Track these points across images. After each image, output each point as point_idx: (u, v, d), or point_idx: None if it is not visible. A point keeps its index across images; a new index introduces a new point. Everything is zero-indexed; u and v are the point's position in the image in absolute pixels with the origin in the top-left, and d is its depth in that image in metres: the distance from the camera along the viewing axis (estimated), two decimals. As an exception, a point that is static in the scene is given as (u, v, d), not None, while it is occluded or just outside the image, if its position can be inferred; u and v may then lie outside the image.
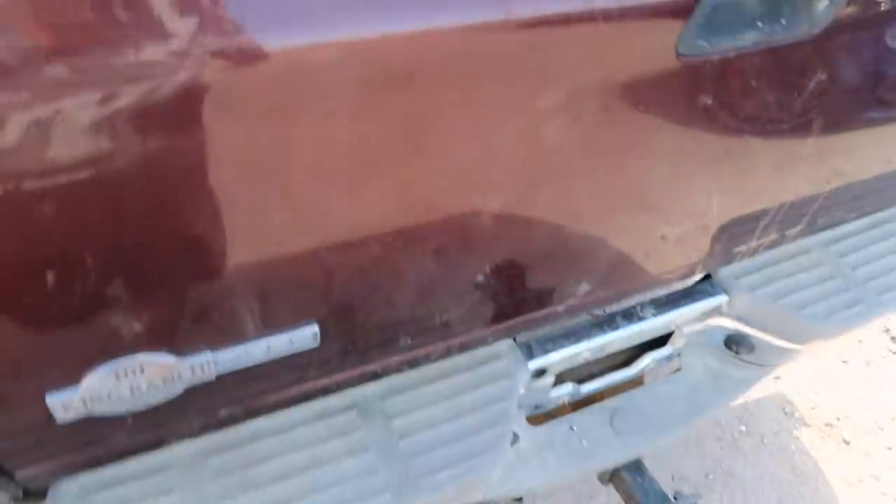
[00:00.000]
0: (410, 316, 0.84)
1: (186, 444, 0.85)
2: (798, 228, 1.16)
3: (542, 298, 0.95)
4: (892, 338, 2.29)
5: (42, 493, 0.79)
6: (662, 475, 1.78)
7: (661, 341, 1.24)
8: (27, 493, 0.78)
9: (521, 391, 1.06)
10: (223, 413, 0.81)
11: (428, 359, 0.93)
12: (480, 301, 0.88)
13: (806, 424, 2.02)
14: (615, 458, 1.17)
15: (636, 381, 1.26)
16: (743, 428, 1.98)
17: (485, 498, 1.12)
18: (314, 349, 0.77)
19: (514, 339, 1.05)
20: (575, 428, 1.18)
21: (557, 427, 1.17)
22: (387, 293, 0.79)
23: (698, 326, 1.23)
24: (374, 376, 0.90)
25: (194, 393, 0.74)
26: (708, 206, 0.98)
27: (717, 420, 1.99)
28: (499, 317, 0.93)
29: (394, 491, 0.87)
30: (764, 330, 1.22)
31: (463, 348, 0.96)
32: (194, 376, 0.72)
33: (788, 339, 1.22)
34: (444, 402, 0.96)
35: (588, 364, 1.22)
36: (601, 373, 1.22)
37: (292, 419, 0.90)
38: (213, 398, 0.78)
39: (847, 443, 1.99)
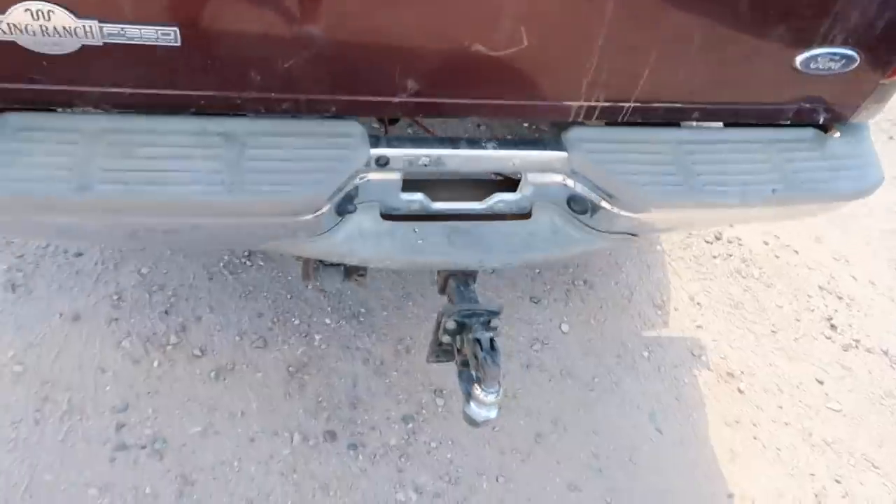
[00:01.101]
0: (257, 55, 1.14)
1: (89, 118, 1.18)
2: (628, 105, 1.35)
3: (375, 84, 1.22)
4: (832, 326, 2.36)
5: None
6: (552, 366, 2.00)
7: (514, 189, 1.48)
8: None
9: (367, 177, 1.34)
10: (113, 91, 1.14)
11: (280, 106, 1.23)
12: (319, 63, 1.17)
13: (708, 369, 2.15)
14: (439, 260, 1.42)
15: (487, 216, 1.50)
16: (646, 354, 2.15)
17: (327, 256, 1.41)
18: (176, 49, 1.09)
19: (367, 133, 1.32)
20: (417, 230, 1.43)
21: (403, 225, 1.43)
22: (239, 22, 1.09)
23: (543, 179, 1.44)
24: (235, 106, 1.21)
25: (88, 56, 1.07)
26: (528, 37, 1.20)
27: (624, 342, 2.16)
28: (337, 86, 1.21)
29: (226, 186, 1.18)
30: (594, 190, 1.42)
31: (310, 109, 1.25)
32: (86, 36, 1.05)
33: (612, 203, 1.41)
34: (293, 149, 1.25)
35: (446, 189, 1.47)
36: (454, 199, 1.47)
37: (174, 127, 1.22)
38: (103, 71, 1.11)
39: (741, 392, 2.11)
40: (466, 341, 1.40)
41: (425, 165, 1.36)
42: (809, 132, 1.55)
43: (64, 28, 1.04)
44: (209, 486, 1.64)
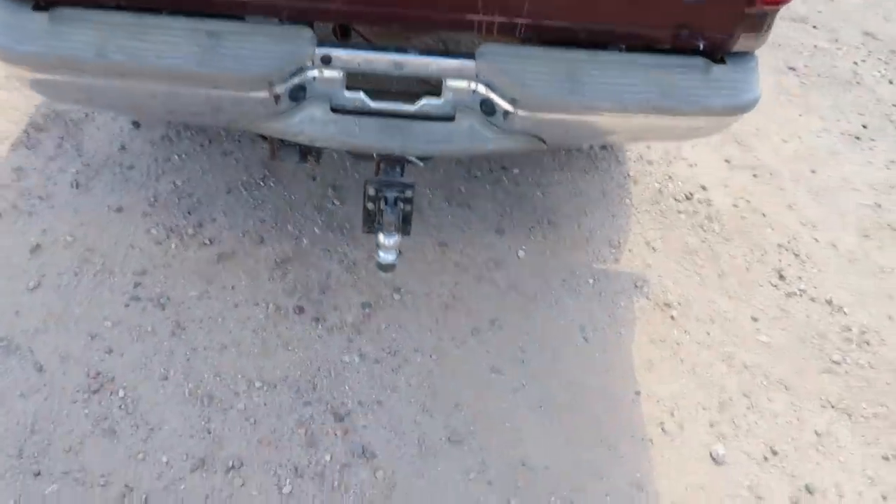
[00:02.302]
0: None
1: (112, 14, 1.64)
2: (520, 21, 1.68)
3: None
4: (781, 276, 2.53)
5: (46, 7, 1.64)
6: (500, 281, 2.31)
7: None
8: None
9: (316, 73, 1.74)
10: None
11: (247, 9, 1.65)
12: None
13: (647, 298, 2.39)
14: (368, 144, 1.79)
15: (418, 117, 1.85)
16: (591, 281, 2.41)
17: (283, 135, 1.81)
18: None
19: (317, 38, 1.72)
20: (356, 123, 1.81)
21: (349, 118, 1.81)
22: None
23: (458, 84, 1.79)
24: (212, 6, 1.64)
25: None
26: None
27: (573, 270, 2.43)
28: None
29: (198, 60, 1.60)
30: (498, 93, 1.75)
31: (269, 13, 1.66)
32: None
33: (512, 105, 1.74)
34: (256, 43, 1.66)
35: (385, 92, 1.85)
36: (392, 99, 1.84)
37: (171, 24, 1.66)
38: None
39: (673, 319, 2.34)
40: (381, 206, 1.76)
41: (359, 65, 1.74)
42: (699, 61, 1.81)
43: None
44: (195, 331, 2.06)
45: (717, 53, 1.81)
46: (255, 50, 1.66)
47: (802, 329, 2.36)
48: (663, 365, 2.18)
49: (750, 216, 2.76)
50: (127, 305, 2.10)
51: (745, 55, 1.85)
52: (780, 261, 2.59)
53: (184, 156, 2.62)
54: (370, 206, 1.81)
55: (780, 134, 3.20)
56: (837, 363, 2.26)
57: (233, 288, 2.20)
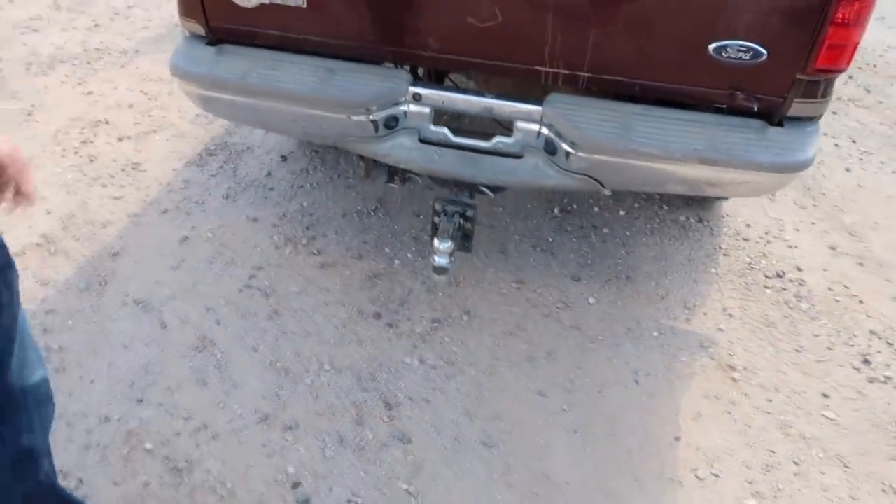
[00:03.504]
0: (348, 19, 1.99)
1: (258, 51, 2.13)
2: (583, 75, 1.93)
3: (410, 43, 2.00)
4: (866, 361, 2.43)
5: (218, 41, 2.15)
6: (566, 320, 2.48)
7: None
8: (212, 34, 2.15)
9: (408, 107, 2.09)
10: (270, 33, 2.07)
11: (359, 53, 2.06)
12: (380, 31, 1.99)
13: (711, 358, 2.41)
14: (443, 169, 2.09)
15: (492, 152, 2.13)
16: (656, 334, 2.48)
17: (376, 155, 2.17)
18: (303, 9, 1.99)
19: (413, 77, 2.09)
20: (437, 153, 2.13)
21: (431, 148, 2.14)
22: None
23: (530, 126, 2.05)
24: (332, 48, 2.06)
25: (261, 9, 2.02)
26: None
27: (640, 321, 2.52)
28: (390, 43, 2.02)
29: (315, 87, 2.02)
30: (559, 136, 1.99)
31: (375, 58, 2.05)
32: (261, -4, 2.00)
33: (570, 147, 1.97)
34: (363, 79, 2.06)
35: (466, 129, 2.16)
36: (471, 136, 2.14)
37: (302, 60, 2.11)
38: (268, 19, 2.05)
39: (734, 380, 2.34)
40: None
41: (443, 103, 2.08)
42: (756, 122, 1.95)
43: (251, -14, 2.00)
44: (288, 318, 2.42)
45: (775, 117, 1.93)
46: (360, 84, 2.05)
47: (879, 414, 2.25)
48: (712, 419, 2.19)
49: (845, 300, 2.69)
50: (240, 290, 2.52)
51: (806, 120, 1.95)
52: (869, 346, 2.49)
53: (315, 185, 3.09)
54: (436, 219, 2.09)
55: (903, 230, 3.08)
56: (912, 453, 2.13)
57: (327, 290, 2.55)
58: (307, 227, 2.84)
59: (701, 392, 2.28)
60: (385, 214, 2.94)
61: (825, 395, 2.30)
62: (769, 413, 2.22)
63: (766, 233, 3.01)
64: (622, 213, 3.06)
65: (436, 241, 2.00)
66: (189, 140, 3.36)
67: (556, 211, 3.03)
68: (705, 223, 3.04)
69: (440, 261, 2.00)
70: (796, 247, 2.94)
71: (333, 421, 2.09)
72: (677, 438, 2.12)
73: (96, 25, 4.43)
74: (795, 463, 2.08)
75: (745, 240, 2.97)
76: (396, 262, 2.70)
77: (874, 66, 4.55)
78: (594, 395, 2.23)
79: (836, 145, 3.68)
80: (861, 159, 3.58)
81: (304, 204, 2.97)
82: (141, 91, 3.72)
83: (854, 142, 3.72)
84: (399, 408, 2.15)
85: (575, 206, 3.06)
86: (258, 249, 2.71)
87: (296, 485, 1.91)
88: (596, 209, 3.06)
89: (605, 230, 2.95)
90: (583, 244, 2.86)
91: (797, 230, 3.04)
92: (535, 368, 2.31)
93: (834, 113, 3.97)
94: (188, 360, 2.24)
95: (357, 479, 1.94)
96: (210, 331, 2.35)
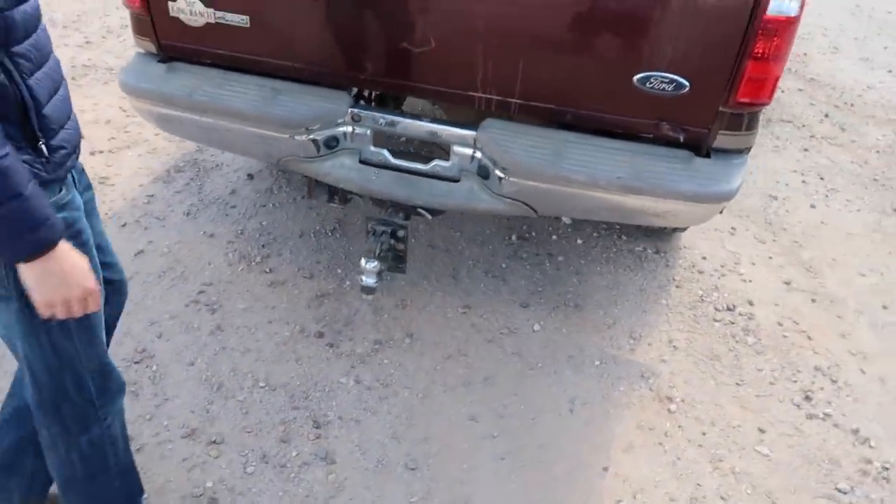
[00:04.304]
0: (291, 38, 2.04)
1: (207, 70, 2.18)
2: (514, 101, 1.97)
3: (349, 66, 2.04)
4: (807, 398, 2.42)
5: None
6: (508, 346, 2.48)
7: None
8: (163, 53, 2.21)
9: (347, 128, 2.13)
10: (218, 52, 2.13)
11: (302, 75, 2.10)
12: (322, 53, 2.03)
13: (650, 389, 2.40)
14: (380, 190, 2.12)
15: (428, 175, 2.16)
16: (597, 363, 2.48)
17: (315, 174, 2.20)
18: (246, 29, 2.04)
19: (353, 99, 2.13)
20: (375, 173, 2.16)
21: (370, 169, 2.17)
22: (282, 19, 2.02)
23: (466, 151, 2.08)
24: (277, 69, 2.11)
25: (208, 28, 2.07)
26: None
27: (583, 349, 2.52)
28: (331, 66, 2.06)
29: (258, 105, 2.06)
30: (491, 160, 2.02)
31: (318, 79, 2.10)
32: (208, 17, 2.05)
33: (501, 172, 1.99)
34: (304, 99, 2.10)
35: (404, 152, 2.19)
36: (410, 159, 2.17)
37: (248, 80, 2.16)
38: (215, 39, 2.11)
39: (670, 412, 2.32)
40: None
41: (382, 124, 2.11)
42: (684, 153, 1.98)
43: (199, 11, 2.06)
44: (230, 334, 2.43)
45: (702, 148, 1.96)
46: (302, 104, 2.09)
47: (813, 451, 2.23)
48: (643, 450, 2.17)
49: (793, 336, 2.68)
50: (187, 305, 2.54)
51: (734, 152, 1.97)
52: (812, 383, 2.48)
53: (277, 204, 3.13)
54: (370, 235, 2.12)
55: (860, 268, 3.09)
56: (843, 492, 2.10)
57: (273, 308, 2.57)
58: (262, 246, 2.87)
59: (635, 423, 2.26)
60: (342, 236, 2.97)
61: (761, 430, 2.28)
62: (701, 446, 2.21)
63: (722, 266, 3.01)
64: (580, 241, 3.07)
65: (362, 261, 2.02)
66: (160, 156, 3.41)
67: (513, 238, 3.04)
68: (662, 254, 3.05)
69: (367, 280, 2.02)
70: (750, 281, 2.94)
71: (259, 438, 2.09)
72: (605, 468, 2.11)
73: (87, 43, 4.53)
74: (722, 498, 2.06)
75: (700, 272, 2.97)
76: (347, 283, 2.72)
77: (851, 104, 4.58)
78: (527, 422, 2.23)
79: (804, 182, 3.70)
80: (827, 196, 3.59)
81: (264, 223, 3.01)
82: (121, 108, 3.79)
83: (822, 179, 3.73)
84: (327, 427, 2.15)
85: (533, 234, 3.08)
86: (211, 266, 2.74)
87: (212, 500, 1.91)
88: (554, 237, 3.08)
89: (560, 258, 2.96)
90: (536, 271, 2.87)
91: (753, 264, 3.05)
92: (471, 393, 2.31)
93: (805, 150, 4.00)
94: (123, 371, 2.25)
95: (274, 497, 1.93)
96: (150, 343, 2.37)
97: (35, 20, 1.18)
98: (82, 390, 1.39)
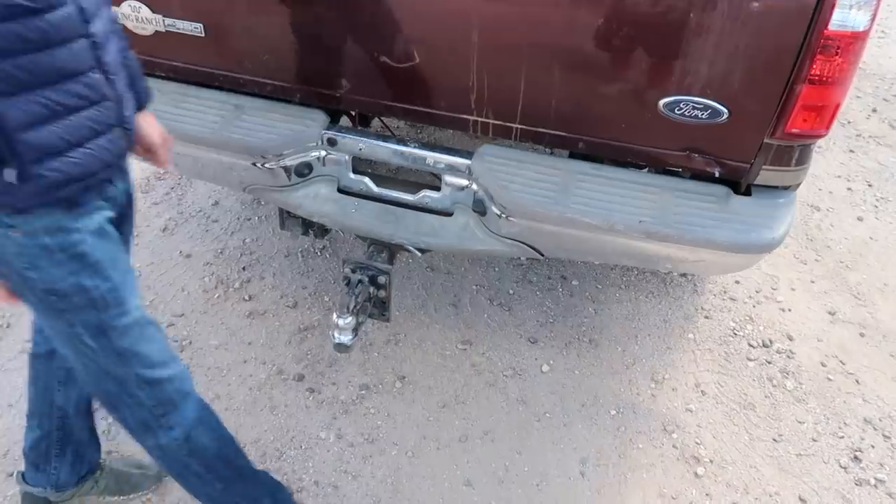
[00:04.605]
0: (253, 49, 1.74)
1: (162, 83, 1.88)
2: (515, 126, 1.65)
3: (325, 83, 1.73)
4: (855, 457, 2.10)
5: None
6: (512, 392, 2.19)
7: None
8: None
9: (320, 153, 1.82)
10: (171, 63, 1.83)
11: (266, 90, 1.80)
12: (293, 65, 1.73)
13: (674, 446, 2.10)
14: (360, 226, 1.82)
15: (415, 207, 1.85)
16: (613, 412, 2.18)
17: (286, 205, 1.91)
18: (202, 39, 1.74)
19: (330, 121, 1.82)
20: (355, 205, 1.86)
21: (349, 199, 1.87)
22: (241, 27, 1.71)
23: (457, 181, 1.77)
24: (238, 84, 1.81)
25: (159, 38, 1.77)
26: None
27: (597, 396, 2.22)
28: (304, 81, 1.75)
29: (216, 129, 1.77)
30: (486, 192, 1.70)
31: (286, 95, 1.79)
32: (157, 24, 1.75)
33: (496, 205, 1.68)
34: (272, 120, 1.80)
35: (389, 178, 1.89)
36: (395, 187, 1.87)
37: (207, 94, 1.86)
38: (166, 49, 1.81)
39: (697, 476, 2.02)
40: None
41: (361, 150, 1.81)
42: (720, 189, 1.65)
43: (146, 18, 1.76)
44: (199, 377, 2.17)
45: (741, 184, 1.63)
46: (267, 125, 1.79)
47: (864, 527, 1.92)
48: (663, 526, 1.89)
49: (839, 379, 2.35)
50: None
51: (779, 189, 1.64)
52: (861, 439, 2.15)
53: (263, 217, 2.84)
54: (344, 283, 1.82)
55: (917, 293, 2.73)
56: (900, 582, 1.80)
57: (249, 344, 2.30)
58: (243, 268, 2.60)
59: (656, 490, 1.97)
60: (332, 255, 2.69)
61: (802, 500, 1.97)
62: (732, 520, 1.91)
63: (757, 291, 2.68)
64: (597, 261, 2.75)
65: (334, 316, 1.73)
66: (140, 164, 3.13)
67: (522, 257, 2.73)
68: (689, 277, 2.72)
69: (340, 337, 1.73)
70: (789, 310, 2.61)
71: (223, 509, 1.83)
72: (618, 548, 1.82)
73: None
74: (756, 589, 1.76)
75: (732, 299, 2.64)
76: (334, 313, 2.43)
77: (902, 97, 4.16)
78: (530, 489, 1.94)
79: (850, 189, 3.32)
80: (876, 206, 3.21)
81: (247, 240, 2.73)
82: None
83: (870, 185, 3.35)
84: (301, 494, 1.89)
85: (544, 253, 2.76)
86: (184, 293, 2.48)
87: (163, 589, 1.66)
88: (567, 257, 2.76)
89: (575, 282, 2.65)
90: (547, 298, 2.56)
91: (793, 289, 2.71)
92: (467, 451, 2.03)
93: (851, 151, 3.60)
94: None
95: (234, 586, 1.67)
96: (110, 389, 2.12)
97: (21, 41, 1.01)
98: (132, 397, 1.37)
